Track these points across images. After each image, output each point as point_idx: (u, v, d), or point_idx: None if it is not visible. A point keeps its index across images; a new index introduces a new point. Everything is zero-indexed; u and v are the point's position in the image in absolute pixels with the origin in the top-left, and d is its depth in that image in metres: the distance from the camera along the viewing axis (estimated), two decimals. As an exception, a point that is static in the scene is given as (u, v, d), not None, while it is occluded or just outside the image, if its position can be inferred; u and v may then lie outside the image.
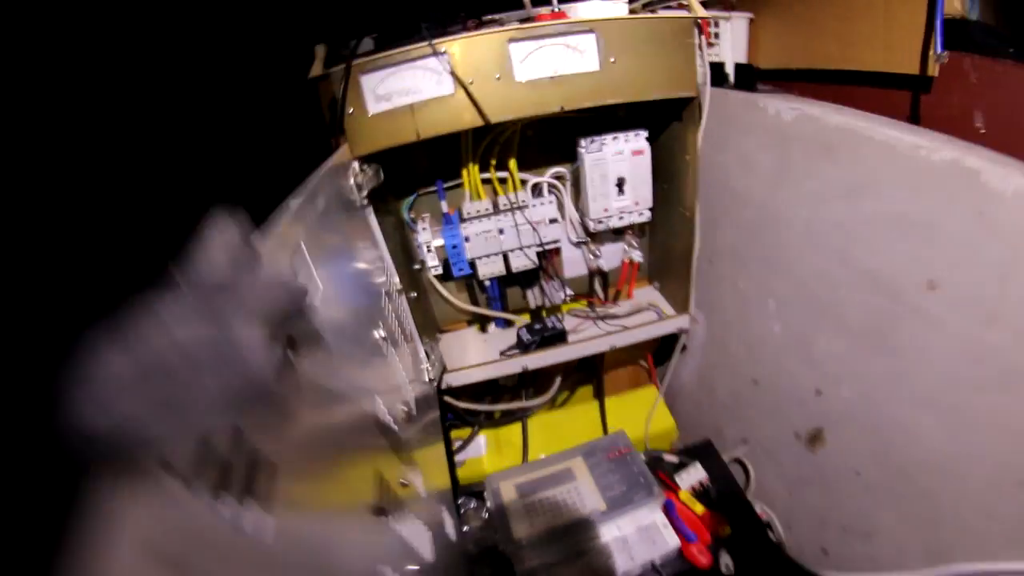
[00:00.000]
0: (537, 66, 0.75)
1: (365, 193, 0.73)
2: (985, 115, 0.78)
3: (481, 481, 1.02)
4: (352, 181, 0.71)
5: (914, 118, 0.84)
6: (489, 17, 0.91)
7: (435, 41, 0.71)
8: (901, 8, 0.81)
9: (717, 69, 1.05)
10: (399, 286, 0.86)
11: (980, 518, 0.60)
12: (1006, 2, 0.79)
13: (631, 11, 1.01)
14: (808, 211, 0.84)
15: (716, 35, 1.12)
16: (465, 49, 0.73)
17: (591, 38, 0.75)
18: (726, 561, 0.80)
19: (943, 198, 0.60)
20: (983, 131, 0.77)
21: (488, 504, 0.89)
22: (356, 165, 0.74)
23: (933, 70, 0.78)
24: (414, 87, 0.74)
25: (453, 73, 0.73)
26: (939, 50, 0.75)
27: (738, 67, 1.02)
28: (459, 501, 0.99)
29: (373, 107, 0.74)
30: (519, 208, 0.96)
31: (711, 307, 1.14)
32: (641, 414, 1.18)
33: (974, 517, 0.61)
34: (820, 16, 0.97)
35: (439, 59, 0.72)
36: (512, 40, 0.74)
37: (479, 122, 0.76)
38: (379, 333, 0.65)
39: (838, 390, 0.83)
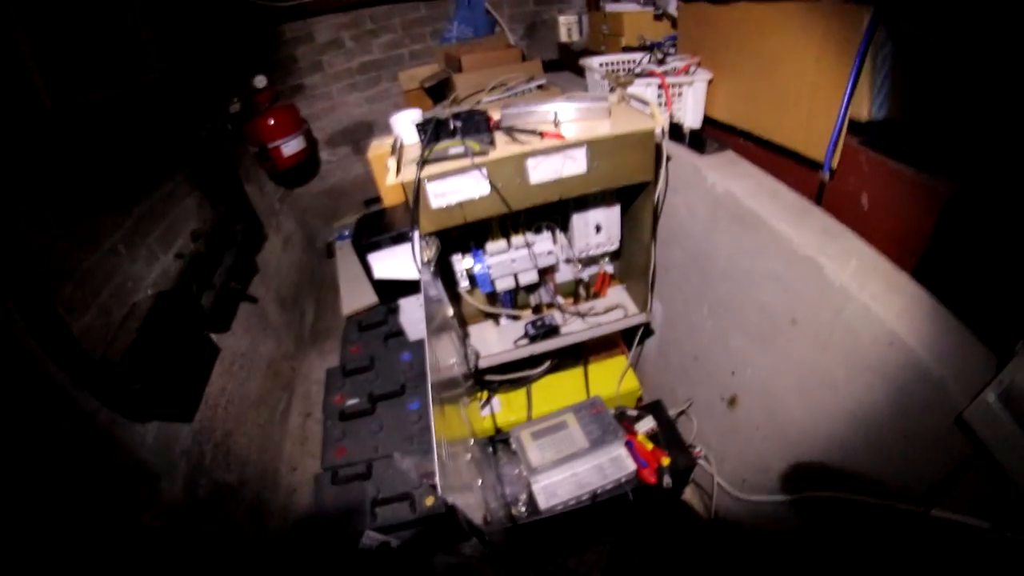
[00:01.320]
0: (544, 172, 1.09)
1: (432, 267, 1.09)
2: (869, 197, 1.08)
3: (499, 430, 1.50)
4: (424, 258, 1.06)
5: (821, 190, 1.16)
6: (501, 118, 1.21)
7: (476, 160, 1.04)
8: (819, 109, 1.10)
9: (677, 128, 1.38)
10: (451, 314, 1.24)
11: (823, 465, 1.03)
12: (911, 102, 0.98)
13: (612, 86, 1.31)
14: (727, 255, 1.23)
15: (679, 95, 1.43)
16: (497, 164, 1.06)
17: (583, 150, 1.09)
18: (667, 480, 1.27)
19: (802, 274, 1.00)
20: (866, 208, 1.08)
21: (513, 444, 1.34)
22: (425, 240, 1.09)
23: (834, 163, 1.09)
24: (462, 189, 1.07)
25: (490, 182, 1.06)
26: (826, 168, 1.07)
27: (692, 132, 1.36)
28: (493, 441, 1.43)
29: (435, 203, 1.07)
30: (527, 246, 1.32)
31: (666, 300, 1.56)
32: (614, 377, 1.63)
33: (821, 462, 1.04)
34: (761, 94, 1.27)
35: (480, 171, 1.05)
36: (528, 156, 1.07)
37: (505, 210, 1.11)
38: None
39: (744, 372, 1.27)
